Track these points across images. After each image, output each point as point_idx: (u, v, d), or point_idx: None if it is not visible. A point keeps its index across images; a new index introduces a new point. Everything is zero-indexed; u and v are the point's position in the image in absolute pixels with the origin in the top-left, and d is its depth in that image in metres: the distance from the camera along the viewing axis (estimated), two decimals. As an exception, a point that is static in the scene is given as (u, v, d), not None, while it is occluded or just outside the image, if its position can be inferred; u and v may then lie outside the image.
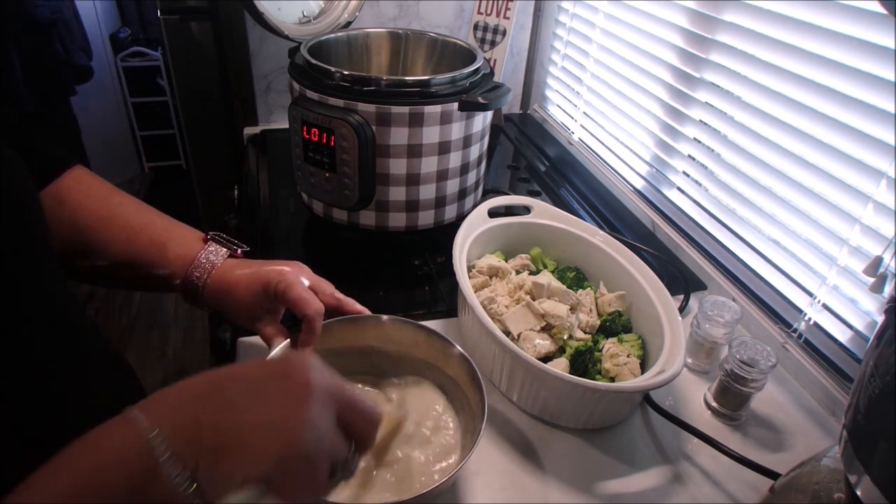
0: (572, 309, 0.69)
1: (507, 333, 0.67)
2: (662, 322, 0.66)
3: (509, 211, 0.84)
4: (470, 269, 0.76)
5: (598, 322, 0.71)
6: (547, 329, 0.68)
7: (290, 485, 0.36)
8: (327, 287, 0.62)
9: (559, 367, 0.63)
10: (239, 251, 0.63)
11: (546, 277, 0.71)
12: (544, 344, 0.66)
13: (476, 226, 0.79)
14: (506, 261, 0.79)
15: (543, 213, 0.83)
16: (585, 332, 0.69)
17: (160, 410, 0.36)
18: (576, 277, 0.77)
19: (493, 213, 0.82)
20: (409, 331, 0.62)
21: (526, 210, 0.84)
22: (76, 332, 0.49)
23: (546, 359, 0.65)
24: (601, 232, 0.79)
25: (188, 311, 2.33)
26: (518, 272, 0.75)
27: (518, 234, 0.82)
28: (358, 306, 0.63)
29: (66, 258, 0.57)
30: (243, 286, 0.60)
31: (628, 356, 0.66)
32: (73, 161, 0.60)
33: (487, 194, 1.05)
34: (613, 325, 0.71)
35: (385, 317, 0.62)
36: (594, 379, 0.64)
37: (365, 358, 0.63)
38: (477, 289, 0.73)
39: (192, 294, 0.61)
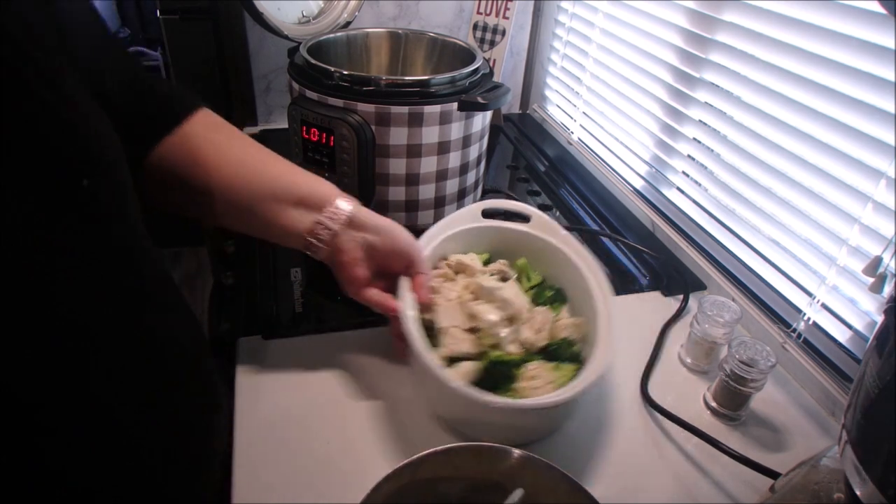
0: (511, 320, 0.65)
1: (433, 328, 0.65)
2: (592, 360, 0.61)
3: (509, 216, 0.80)
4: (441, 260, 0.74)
5: (544, 344, 0.66)
6: (475, 331, 0.65)
7: None
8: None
9: (462, 370, 0.60)
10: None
11: (505, 286, 0.67)
12: (463, 343, 0.63)
13: (462, 222, 0.76)
14: (486, 263, 0.75)
15: (543, 226, 0.76)
16: (523, 348, 0.65)
17: None
18: (552, 297, 0.72)
19: (488, 214, 0.78)
20: (548, 478, 0.50)
21: (525, 219, 0.78)
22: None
23: (463, 360, 0.62)
24: (592, 262, 0.72)
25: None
26: (491, 275, 0.72)
27: (510, 241, 0.77)
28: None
29: (188, 196, 0.59)
30: (385, 229, 0.64)
31: (550, 383, 0.60)
32: (199, 104, 0.61)
33: (487, 194, 1.05)
34: (557, 351, 0.65)
35: (517, 452, 0.51)
36: (503, 396, 0.59)
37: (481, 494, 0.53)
38: (439, 280, 0.71)
39: (318, 236, 0.61)
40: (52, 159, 0.35)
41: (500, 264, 0.75)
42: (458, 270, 0.73)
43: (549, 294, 0.72)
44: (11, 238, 0.32)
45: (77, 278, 0.37)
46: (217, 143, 0.60)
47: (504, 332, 0.64)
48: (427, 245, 0.71)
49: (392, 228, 0.64)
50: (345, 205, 0.62)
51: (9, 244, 0.31)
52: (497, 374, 0.61)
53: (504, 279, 0.72)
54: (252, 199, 0.60)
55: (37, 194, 0.33)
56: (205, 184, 0.58)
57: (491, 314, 0.64)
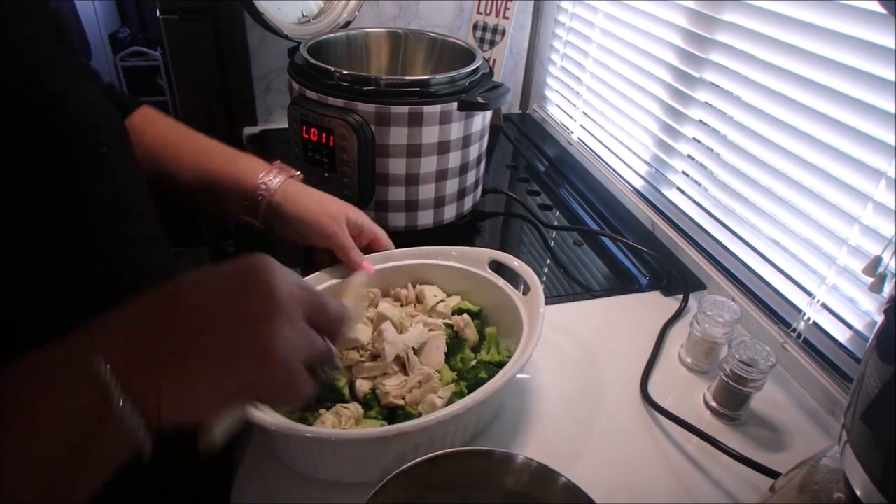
0: (375, 357, 0.62)
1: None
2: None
3: (513, 277, 0.71)
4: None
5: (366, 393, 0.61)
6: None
7: (271, 395, 0.37)
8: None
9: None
10: (299, 173, 0.72)
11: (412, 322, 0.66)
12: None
13: (461, 260, 0.72)
14: (468, 312, 0.71)
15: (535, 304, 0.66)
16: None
17: (114, 343, 0.33)
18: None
19: (496, 266, 0.72)
20: (546, 478, 0.50)
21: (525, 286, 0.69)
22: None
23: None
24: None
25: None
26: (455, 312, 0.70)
27: (493, 302, 0.71)
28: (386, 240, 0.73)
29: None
30: (302, 197, 0.69)
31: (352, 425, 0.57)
32: (141, 102, 0.68)
33: (487, 194, 1.05)
34: (370, 403, 0.60)
35: (518, 456, 0.51)
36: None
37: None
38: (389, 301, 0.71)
39: (255, 206, 0.67)
40: (80, 132, 0.40)
41: (461, 319, 0.69)
42: (419, 299, 0.72)
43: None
44: (51, 195, 0.37)
45: (106, 226, 0.43)
46: (160, 127, 0.68)
47: (351, 353, 0.62)
48: (408, 258, 0.72)
49: (307, 224, 0.68)
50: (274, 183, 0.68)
51: (51, 200, 0.37)
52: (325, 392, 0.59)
53: (451, 326, 0.68)
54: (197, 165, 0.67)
55: (69, 160, 0.39)
56: (157, 164, 0.64)
57: (361, 332, 0.63)
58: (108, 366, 0.31)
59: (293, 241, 0.71)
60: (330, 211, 0.69)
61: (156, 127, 0.66)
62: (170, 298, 0.35)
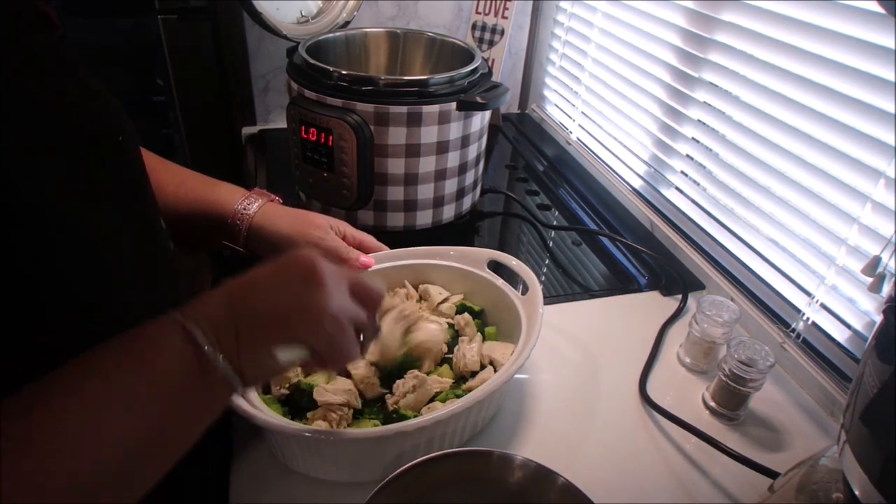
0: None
1: None
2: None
3: (511, 277, 0.71)
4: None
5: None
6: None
7: (327, 349, 0.42)
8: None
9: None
10: (278, 198, 0.73)
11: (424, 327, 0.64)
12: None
13: (460, 260, 0.73)
14: (468, 309, 0.71)
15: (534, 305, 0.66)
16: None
17: (196, 312, 0.39)
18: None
19: (495, 266, 0.73)
20: (544, 479, 0.50)
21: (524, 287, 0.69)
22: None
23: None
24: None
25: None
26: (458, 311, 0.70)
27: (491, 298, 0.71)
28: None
29: None
30: (281, 217, 0.70)
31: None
32: None
33: (486, 194, 1.05)
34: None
35: (516, 457, 0.51)
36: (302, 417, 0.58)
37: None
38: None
39: (235, 231, 0.68)
40: (98, 121, 0.43)
41: (462, 318, 0.69)
42: (423, 297, 0.73)
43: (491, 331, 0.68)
44: (58, 181, 0.38)
45: (117, 213, 0.44)
46: None
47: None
48: (412, 258, 0.72)
49: (291, 239, 0.68)
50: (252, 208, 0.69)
51: (54, 186, 0.37)
52: (300, 399, 0.59)
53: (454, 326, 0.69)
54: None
55: (88, 148, 0.41)
56: None
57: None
58: (200, 328, 0.38)
59: None
60: (312, 221, 0.70)
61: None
62: (236, 284, 0.42)
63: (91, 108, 0.43)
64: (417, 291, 0.73)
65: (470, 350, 0.64)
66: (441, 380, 0.62)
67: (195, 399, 0.38)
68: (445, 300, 0.72)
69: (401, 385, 0.61)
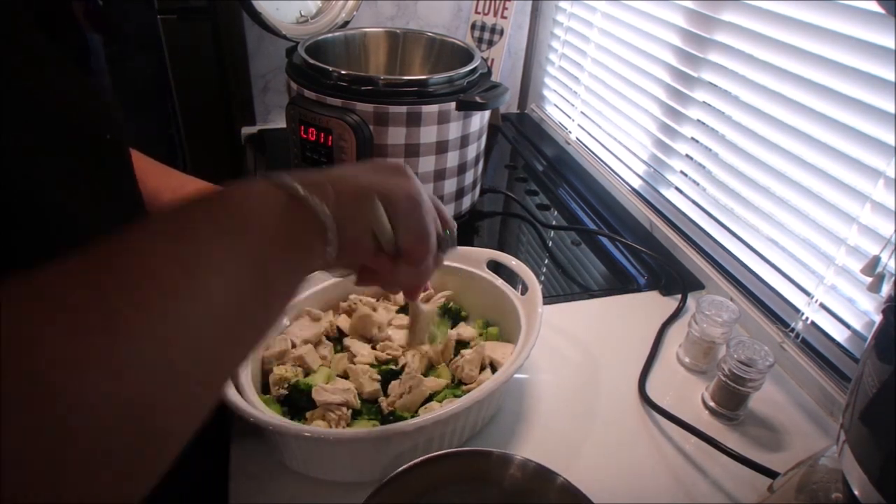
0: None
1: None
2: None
3: (511, 277, 0.71)
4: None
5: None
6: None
7: (416, 229, 0.41)
8: None
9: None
10: None
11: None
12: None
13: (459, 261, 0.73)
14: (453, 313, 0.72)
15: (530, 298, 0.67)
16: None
17: (291, 177, 0.37)
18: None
19: (494, 266, 0.73)
20: (543, 479, 0.51)
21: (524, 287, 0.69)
22: None
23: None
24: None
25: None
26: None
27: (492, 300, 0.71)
28: None
29: None
30: None
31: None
32: None
33: (485, 194, 1.05)
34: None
35: (516, 457, 0.51)
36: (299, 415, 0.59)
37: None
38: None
39: None
40: (98, 121, 0.42)
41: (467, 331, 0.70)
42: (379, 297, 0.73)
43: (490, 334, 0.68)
44: (59, 181, 0.37)
45: (105, 214, 0.42)
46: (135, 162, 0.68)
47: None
48: None
49: None
50: None
51: (55, 186, 0.37)
52: (299, 399, 0.59)
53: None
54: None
55: (75, 146, 0.39)
56: None
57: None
58: (293, 179, 0.35)
59: None
60: None
61: (137, 158, 0.68)
62: (324, 170, 0.40)
63: (91, 108, 0.42)
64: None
65: (469, 363, 0.64)
66: (438, 380, 0.62)
67: (292, 245, 0.35)
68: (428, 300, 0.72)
69: (396, 386, 0.61)
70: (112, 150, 0.43)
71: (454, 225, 0.47)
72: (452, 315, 0.71)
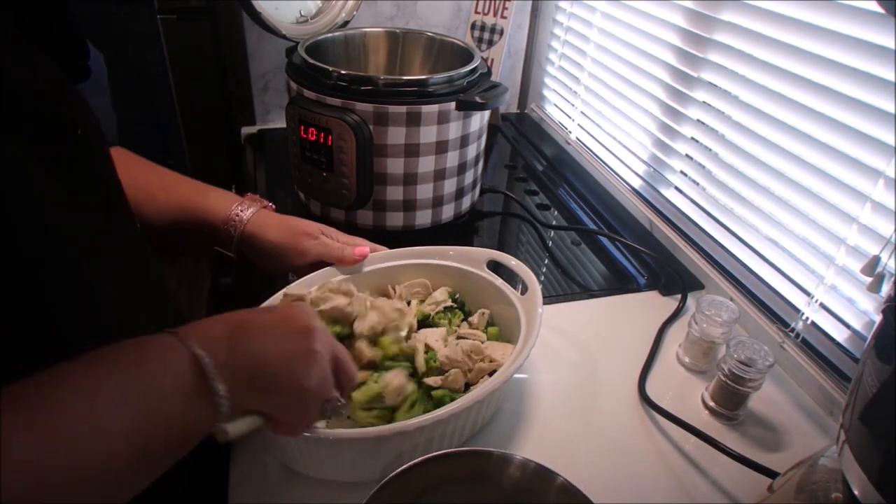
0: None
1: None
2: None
3: (511, 277, 0.71)
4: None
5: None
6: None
7: (288, 416, 0.45)
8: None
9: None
10: (271, 205, 0.72)
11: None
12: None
13: (460, 260, 0.73)
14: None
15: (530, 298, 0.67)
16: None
17: (197, 335, 0.39)
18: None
19: (494, 266, 0.72)
20: (543, 478, 0.51)
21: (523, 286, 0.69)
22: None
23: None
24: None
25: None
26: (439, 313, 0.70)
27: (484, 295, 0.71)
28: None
29: None
30: (272, 226, 0.69)
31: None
32: (112, 142, 0.68)
33: (485, 193, 1.05)
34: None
35: (516, 457, 0.51)
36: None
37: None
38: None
39: (228, 237, 0.67)
40: (56, 113, 0.42)
41: (469, 323, 0.70)
42: (382, 293, 0.73)
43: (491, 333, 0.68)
44: (29, 173, 0.38)
45: (78, 206, 0.43)
46: (129, 165, 0.66)
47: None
48: (410, 258, 0.72)
49: (283, 247, 0.69)
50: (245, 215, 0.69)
51: (27, 178, 0.37)
52: None
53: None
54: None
55: (47, 140, 0.40)
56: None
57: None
58: (198, 343, 0.38)
59: (270, 272, 0.73)
60: (303, 228, 0.70)
61: (124, 164, 0.67)
62: (235, 318, 0.43)
63: (59, 98, 0.43)
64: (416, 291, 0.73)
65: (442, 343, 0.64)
66: (437, 380, 0.62)
67: (185, 408, 0.38)
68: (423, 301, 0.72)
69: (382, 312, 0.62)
70: (82, 145, 0.44)
71: (356, 383, 0.52)
72: (459, 305, 0.71)
